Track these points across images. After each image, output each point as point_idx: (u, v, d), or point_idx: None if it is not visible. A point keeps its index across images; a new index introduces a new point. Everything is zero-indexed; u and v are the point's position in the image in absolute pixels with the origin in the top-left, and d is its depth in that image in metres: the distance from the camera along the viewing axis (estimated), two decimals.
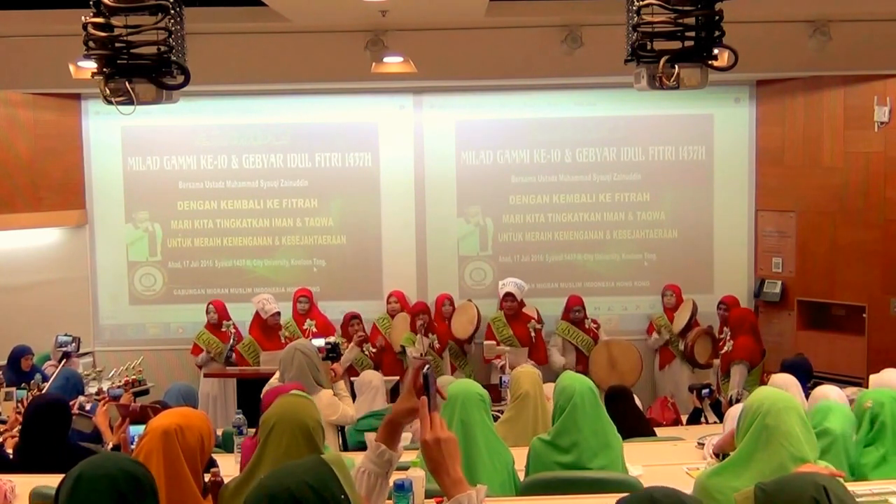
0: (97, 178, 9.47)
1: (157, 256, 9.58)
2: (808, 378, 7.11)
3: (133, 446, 3.84)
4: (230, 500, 3.23)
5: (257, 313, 8.65)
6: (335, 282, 9.57)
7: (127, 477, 2.31)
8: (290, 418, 3.14)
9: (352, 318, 8.80)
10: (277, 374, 5.61)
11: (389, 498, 3.16)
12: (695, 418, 6.95)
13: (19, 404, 6.79)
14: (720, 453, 4.52)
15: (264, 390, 5.17)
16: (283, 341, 8.34)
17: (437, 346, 8.71)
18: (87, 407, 6.25)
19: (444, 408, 4.22)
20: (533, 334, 8.68)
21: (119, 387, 6.64)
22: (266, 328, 8.57)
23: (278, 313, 8.59)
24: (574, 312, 8.87)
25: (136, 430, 4.25)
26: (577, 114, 9.50)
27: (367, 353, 8.64)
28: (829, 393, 5.00)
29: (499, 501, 3.97)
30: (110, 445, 4.88)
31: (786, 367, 6.86)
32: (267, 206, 9.54)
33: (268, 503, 2.04)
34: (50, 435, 4.84)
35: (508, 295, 8.69)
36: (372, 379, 6.57)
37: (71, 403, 5.77)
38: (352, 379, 7.20)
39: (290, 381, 5.20)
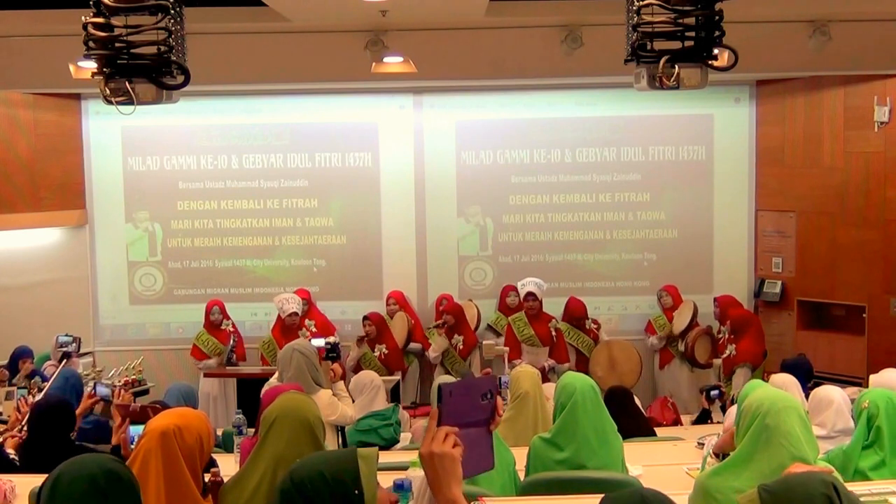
0: (97, 178, 9.48)
1: (157, 256, 9.58)
2: (809, 378, 7.11)
3: (133, 446, 3.84)
4: (228, 496, 3.23)
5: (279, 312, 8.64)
6: (335, 282, 9.57)
7: (107, 474, 2.30)
8: (291, 413, 3.15)
9: (364, 318, 8.71)
10: (277, 374, 5.62)
11: None
12: (702, 420, 6.93)
13: (19, 402, 6.80)
14: (720, 453, 4.52)
15: (263, 390, 5.17)
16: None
17: (461, 347, 8.67)
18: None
19: None
20: (554, 333, 8.65)
21: (107, 384, 6.56)
22: (285, 328, 8.54)
23: (295, 314, 8.52)
24: (577, 320, 8.84)
25: (136, 430, 4.24)
26: (577, 114, 9.50)
27: (379, 353, 8.55)
28: (831, 393, 5.00)
29: (499, 501, 3.97)
30: (110, 446, 4.89)
31: (786, 367, 6.86)
32: (267, 206, 9.55)
33: (289, 485, 2.18)
34: (54, 436, 4.85)
35: (530, 295, 8.61)
36: (373, 379, 6.56)
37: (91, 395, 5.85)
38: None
39: (289, 381, 5.20)
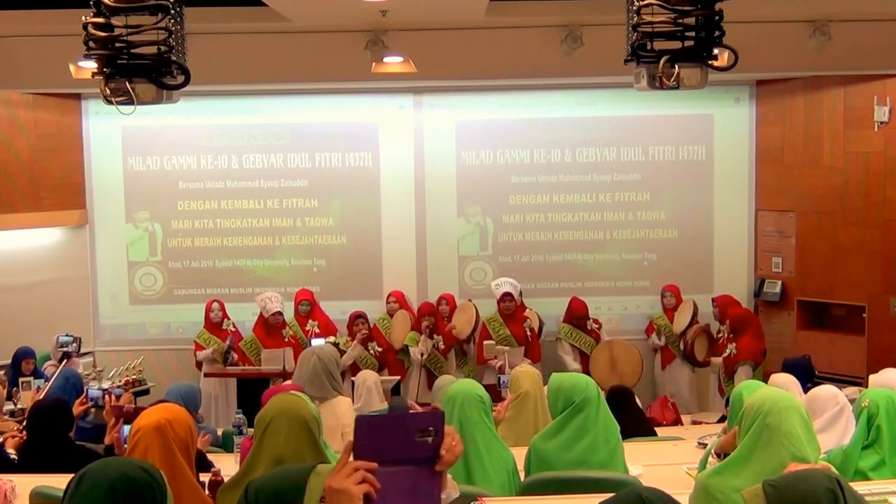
0: (97, 178, 9.48)
1: (157, 256, 9.58)
2: (809, 378, 7.11)
3: (126, 446, 3.86)
4: (227, 497, 3.24)
5: (262, 311, 8.64)
6: (335, 282, 9.57)
7: (125, 481, 2.30)
8: (286, 413, 3.16)
9: (357, 318, 8.75)
10: (295, 374, 5.71)
11: None
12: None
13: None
14: (721, 453, 4.52)
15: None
16: (285, 340, 8.33)
17: (441, 346, 8.67)
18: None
19: (444, 408, 4.22)
20: (528, 333, 8.65)
21: (98, 388, 6.58)
22: (268, 326, 8.54)
23: (279, 313, 8.53)
24: (578, 320, 8.84)
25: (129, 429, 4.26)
26: (577, 114, 9.50)
27: (372, 351, 8.59)
28: (830, 390, 4.99)
29: (499, 501, 3.97)
30: (104, 446, 4.91)
31: (787, 366, 6.87)
32: (267, 206, 9.55)
33: (242, 497, 2.26)
34: (52, 436, 4.86)
35: (507, 295, 8.64)
36: (365, 378, 6.57)
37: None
38: (352, 379, 7.19)
39: (302, 383, 5.25)
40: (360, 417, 1.90)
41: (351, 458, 1.88)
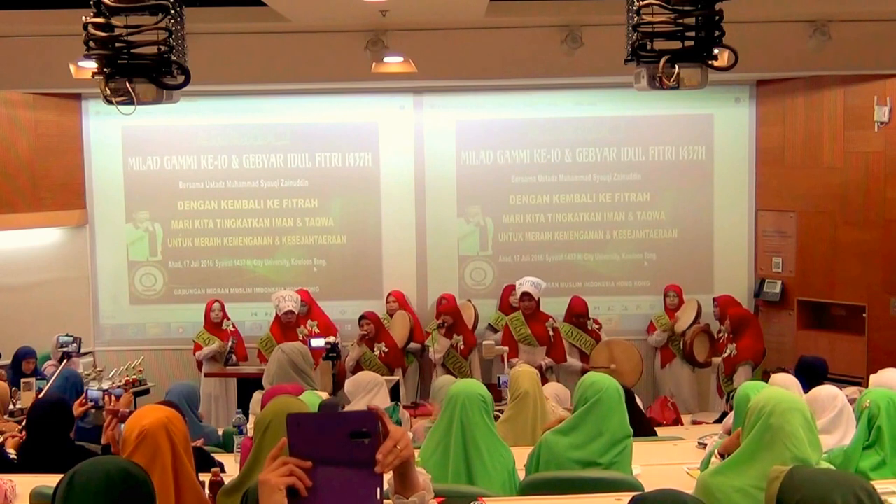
0: (97, 178, 9.48)
1: (157, 256, 9.58)
2: (818, 381, 7.07)
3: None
4: (226, 499, 3.24)
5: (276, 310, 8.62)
6: (335, 282, 9.57)
7: (122, 475, 2.31)
8: (285, 414, 3.15)
9: (361, 318, 8.69)
10: (265, 372, 5.72)
11: None
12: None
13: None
14: (725, 453, 4.51)
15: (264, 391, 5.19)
16: (300, 339, 8.31)
17: (461, 347, 8.63)
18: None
19: (444, 407, 4.22)
20: (551, 333, 8.64)
21: (98, 389, 6.57)
22: (284, 326, 8.50)
23: (291, 312, 8.45)
24: (578, 318, 8.83)
25: None
26: (577, 114, 9.50)
27: (378, 352, 8.52)
28: (836, 394, 4.99)
29: (499, 501, 3.97)
30: (101, 445, 4.91)
31: (801, 364, 6.87)
32: (267, 206, 9.55)
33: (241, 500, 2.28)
34: (52, 435, 4.86)
35: (526, 294, 8.56)
36: (374, 377, 6.54)
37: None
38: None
39: (272, 378, 5.27)
40: (289, 416, 1.89)
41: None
